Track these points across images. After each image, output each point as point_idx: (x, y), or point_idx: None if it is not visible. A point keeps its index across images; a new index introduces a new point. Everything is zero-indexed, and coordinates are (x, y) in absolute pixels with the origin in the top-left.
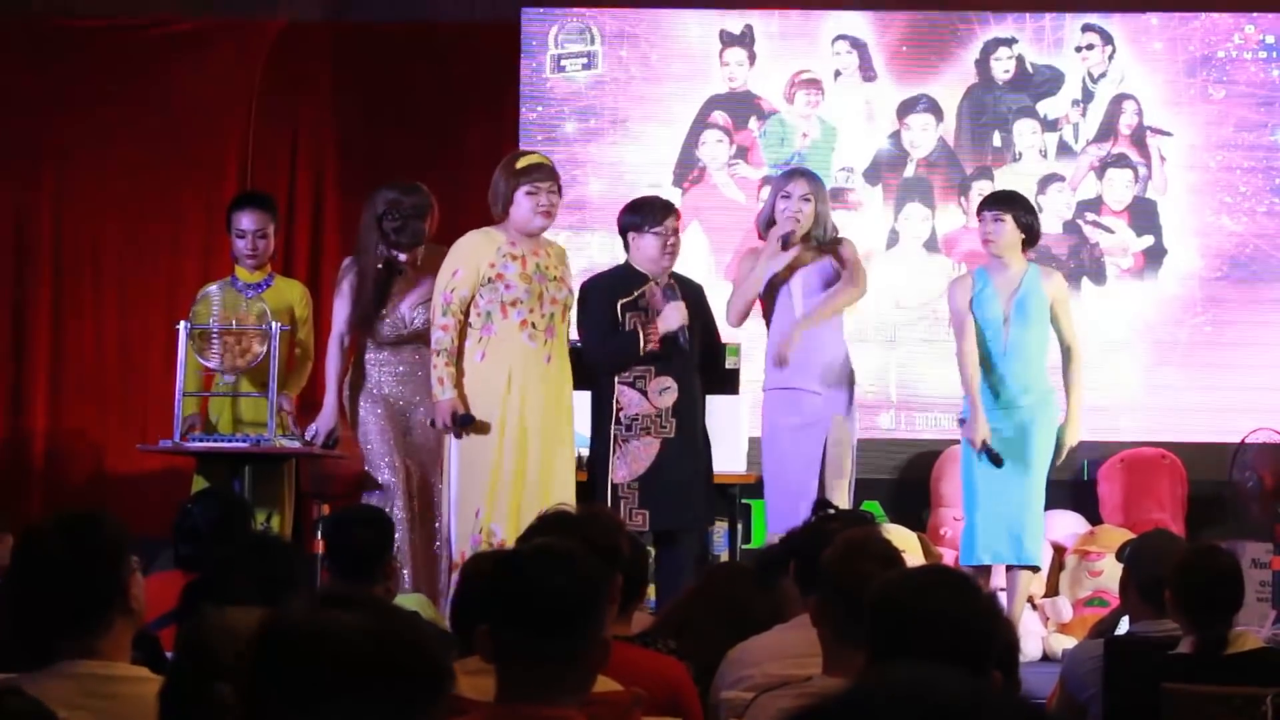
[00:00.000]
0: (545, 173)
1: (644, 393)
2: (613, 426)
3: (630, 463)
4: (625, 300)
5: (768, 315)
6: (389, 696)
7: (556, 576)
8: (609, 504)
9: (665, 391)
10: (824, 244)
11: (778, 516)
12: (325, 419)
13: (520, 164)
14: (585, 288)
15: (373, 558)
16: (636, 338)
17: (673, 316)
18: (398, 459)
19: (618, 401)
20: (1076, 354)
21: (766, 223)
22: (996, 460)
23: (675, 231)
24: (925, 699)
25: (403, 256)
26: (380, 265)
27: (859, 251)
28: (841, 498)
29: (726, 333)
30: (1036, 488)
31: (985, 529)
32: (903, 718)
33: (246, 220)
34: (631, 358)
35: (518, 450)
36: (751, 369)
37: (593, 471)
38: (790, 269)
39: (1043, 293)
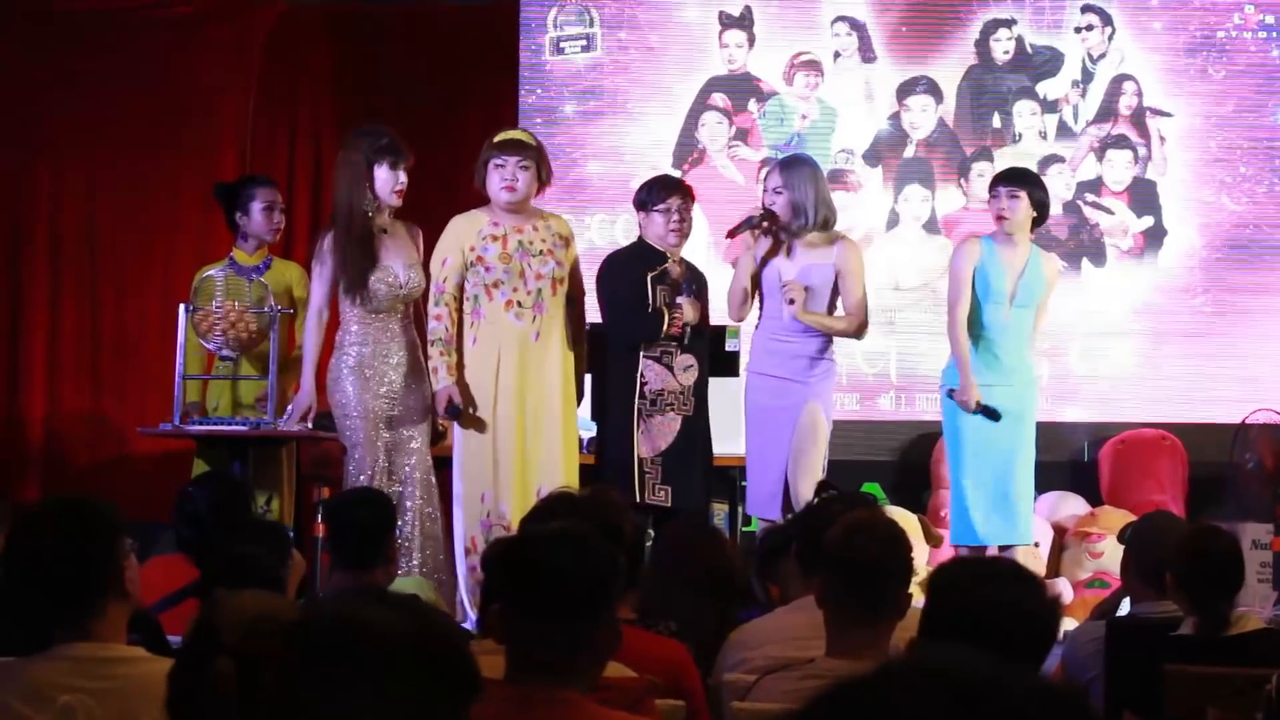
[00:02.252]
0: (514, 147)
1: (670, 369)
2: (637, 400)
3: (654, 438)
4: (654, 273)
5: (760, 305)
6: (421, 694)
7: (571, 560)
8: (636, 479)
9: (689, 369)
10: (811, 230)
11: (753, 498)
12: (302, 399)
13: (496, 138)
14: (608, 264)
15: (374, 540)
16: (662, 319)
17: (692, 312)
18: (379, 442)
19: (642, 376)
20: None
21: None
22: (994, 415)
23: (680, 210)
24: (949, 678)
25: (402, 179)
26: (362, 229)
27: (860, 253)
28: (807, 485)
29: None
30: (1027, 467)
31: (979, 509)
32: (926, 696)
33: (268, 194)
34: (655, 337)
35: (514, 430)
36: (748, 354)
37: (604, 450)
38: (773, 255)
39: (1044, 277)
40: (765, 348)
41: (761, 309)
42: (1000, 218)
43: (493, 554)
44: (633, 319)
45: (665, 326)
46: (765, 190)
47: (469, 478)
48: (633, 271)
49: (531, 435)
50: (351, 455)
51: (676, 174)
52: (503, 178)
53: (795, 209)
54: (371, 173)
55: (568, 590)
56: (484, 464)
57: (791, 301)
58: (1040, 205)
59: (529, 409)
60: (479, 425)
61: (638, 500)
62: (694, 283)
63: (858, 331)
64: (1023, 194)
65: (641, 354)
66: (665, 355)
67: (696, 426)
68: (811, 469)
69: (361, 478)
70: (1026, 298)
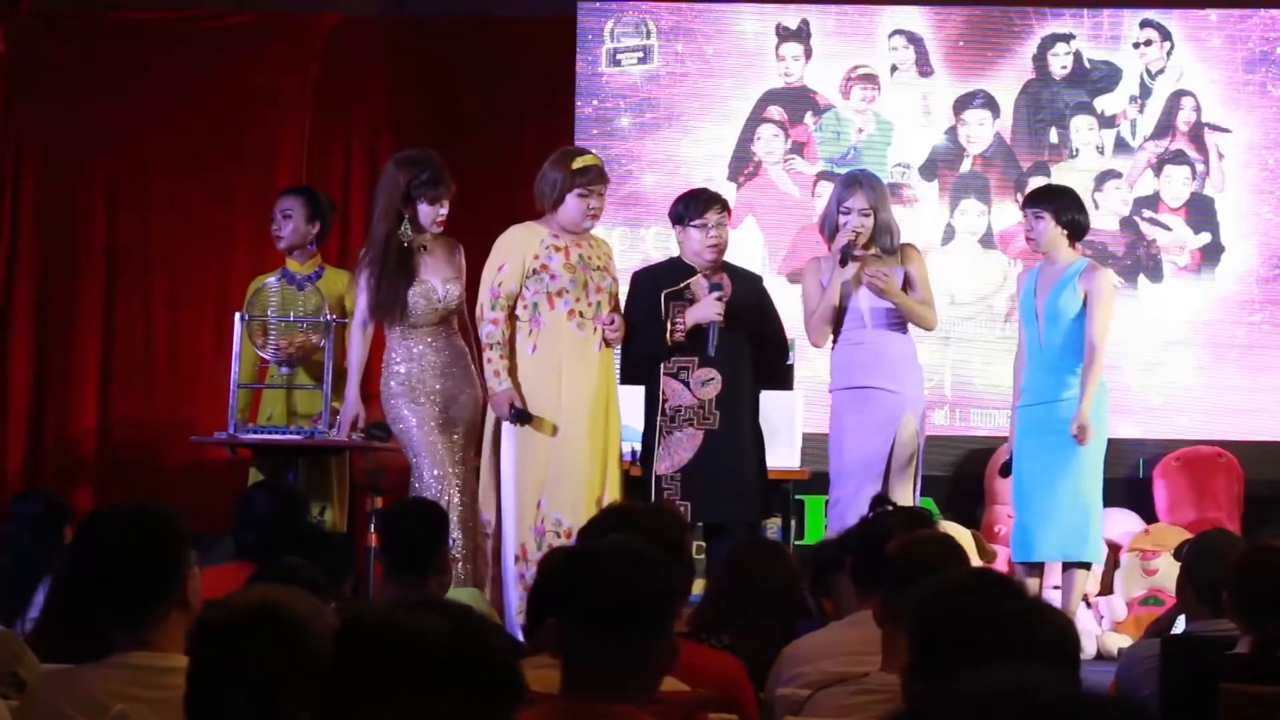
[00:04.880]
0: (598, 175)
1: (686, 384)
2: (659, 418)
3: (672, 454)
4: (670, 290)
5: (835, 323)
6: (463, 699)
7: (631, 575)
8: (653, 496)
9: (708, 383)
10: (890, 250)
11: (839, 516)
12: (349, 409)
13: (577, 164)
14: (633, 279)
15: (426, 551)
16: (663, 328)
17: (704, 310)
18: (442, 448)
19: (663, 393)
20: (1094, 353)
21: (831, 233)
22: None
23: (719, 224)
24: (1032, 701)
25: (443, 212)
26: (400, 246)
27: (919, 250)
28: (905, 495)
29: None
30: (1087, 483)
31: (1037, 526)
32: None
33: (278, 204)
34: (657, 347)
35: (572, 439)
36: (804, 366)
37: (644, 465)
38: (857, 278)
39: (1076, 287)
40: (849, 359)
41: (839, 331)
42: (1028, 239)
43: (550, 567)
44: (634, 335)
45: (669, 335)
46: (850, 211)
47: (524, 484)
48: (650, 290)
49: (590, 448)
50: (420, 465)
51: (732, 186)
52: (590, 206)
53: (883, 228)
54: (414, 206)
55: (626, 604)
56: (541, 471)
57: (881, 291)
58: (1070, 223)
59: (590, 421)
60: (538, 432)
61: None
62: (720, 288)
63: (931, 321)
64: (1046, 214)
65: (662, 370)
66: (682, 371)
67: (724, 440)
68: (908, 483)
69: (430, 477)
70: (1053, 312)
